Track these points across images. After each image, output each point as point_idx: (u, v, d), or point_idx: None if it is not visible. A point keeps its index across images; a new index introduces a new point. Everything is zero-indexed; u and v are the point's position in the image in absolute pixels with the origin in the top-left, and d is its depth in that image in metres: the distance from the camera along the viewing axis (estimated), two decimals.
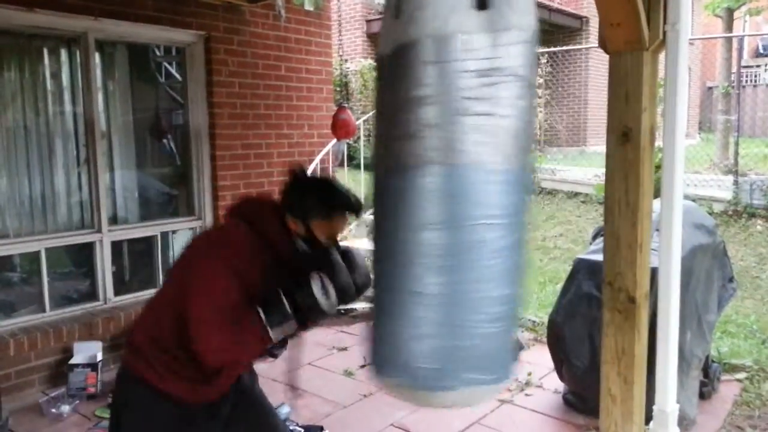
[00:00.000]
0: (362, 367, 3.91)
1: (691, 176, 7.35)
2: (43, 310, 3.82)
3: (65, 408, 3.29)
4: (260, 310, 1.55)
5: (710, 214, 6.75)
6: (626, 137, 2.15)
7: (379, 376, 1.43)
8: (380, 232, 1.41)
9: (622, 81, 2.14)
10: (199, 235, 1.92)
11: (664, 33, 2.10)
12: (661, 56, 2.21)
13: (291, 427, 2.96)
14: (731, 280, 3.68)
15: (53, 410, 3.27)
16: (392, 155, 1.31)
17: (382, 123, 1.38)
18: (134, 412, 1.73)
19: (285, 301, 1.55)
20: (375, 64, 1.43)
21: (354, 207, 1.75)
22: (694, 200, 6.72)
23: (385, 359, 1.39)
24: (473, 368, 1.33)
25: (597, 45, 2.32)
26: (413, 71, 1.25)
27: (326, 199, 1.72)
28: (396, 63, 1.29)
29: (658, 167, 2.27)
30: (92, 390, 3.51)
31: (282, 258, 1.70)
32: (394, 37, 1.29)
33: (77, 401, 3.39)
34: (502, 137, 1.27)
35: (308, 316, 1.59)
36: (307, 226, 1.70)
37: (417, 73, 1.25)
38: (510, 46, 1.24)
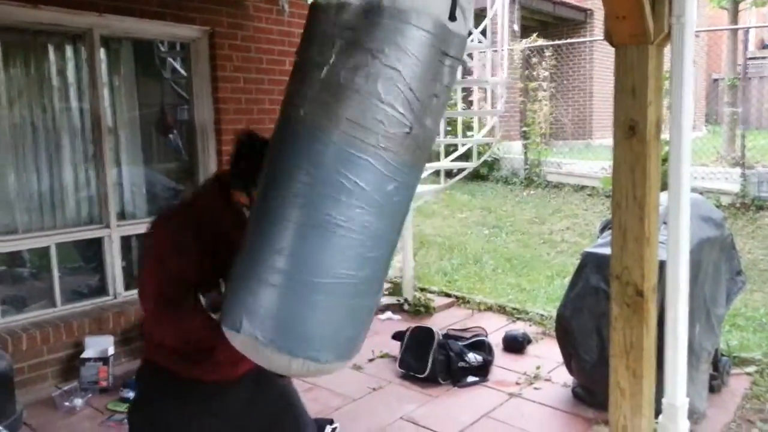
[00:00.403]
0: (371, 360, 3.94)
1: (698, 169, 7.32)
2: (54, 305, 3.86)
3: (78, 401, 3.32)
4: (200, 293, 1.49)
5: (718, 207, 6.71)
6: (632, 131, 2.15)
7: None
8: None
9: (627, 74, 2.14)
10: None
11: (670, 26, 2.09)
12: (667, 49, 2.20)
13: None
14: (739, 273, 3.67)
15: (66, 404, 3.30)
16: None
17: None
18: (153, 396, 1.73)
19: (221, 282, 1.46)
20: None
21: None
22: (701, 193, 6.68)
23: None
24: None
25: (602, 38, 2.31)
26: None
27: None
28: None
29: (664, 160, 2.26)
30: (104, 384, 3.54)
31: (225, 235, 1.56)
32: None
33: (89, 395, 3.43)
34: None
35: None
36: (249, 195, 1.57)
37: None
38: None
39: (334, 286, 1.30)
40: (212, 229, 1.59)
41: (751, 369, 3.69)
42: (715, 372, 3.42)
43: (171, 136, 4.88)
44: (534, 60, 9.80)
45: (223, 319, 1.36)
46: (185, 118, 4.72)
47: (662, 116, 2.21)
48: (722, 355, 3.56)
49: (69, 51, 4.06)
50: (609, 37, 2.17)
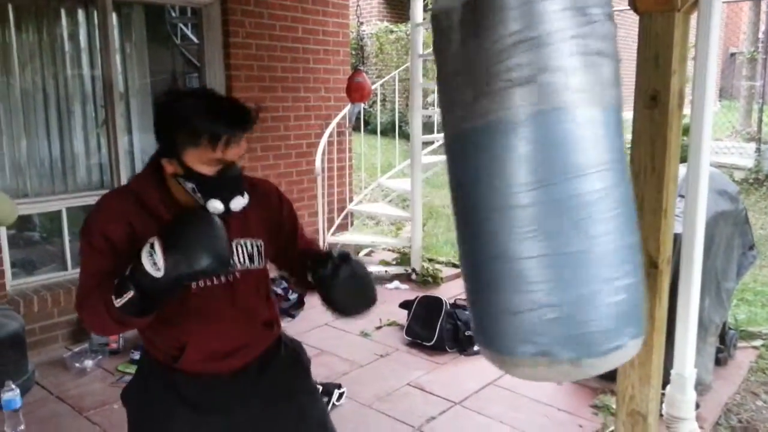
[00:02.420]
0: (378, 328, 3.97)
1: (712, 143, 7.25)
2: (65, 268, 3.90)
3: (88, 363, 3.37)
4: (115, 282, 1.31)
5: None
6: (654, 101, 2.10)
7: (518, 357, 1.30)
8: (473, 200, 1.32)
9: (651, 43, 2.08)
10: None
11: None
12: (692, 18, 2.14)
13: None
14: (752, 247, 3.65)
15: (77, 365, 3.35)
16: (490, 109, 1.24)
17: (470, 77, 1.29)
18: (140, 380, 1.65)
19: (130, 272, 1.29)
20: (433, 18, 1.32)
21: (232, 117, 1.35)
22: (714, 168, 6.64)
23: (526, 337, 1.28)
24: (631, 321, 1.30)
25: (621, 7, 2.25)
26: (503, 16, 1.20)
27: (188, 118, 1.33)
28: (483, 8, 1.22)
29: (684, 131, 2.23)
30: (114, 346, 3.58)
31: (156, 213, 1.43)
32: None
33: (100, 356, 3.47)
34: (606, 76, 1.24)
35: (142, 285, 1.27)
36: (181, 162, 1.35)
37: (506, 18, 1.20)
38: None
39: None
40: (142, 208, 1.44)
41: (757, 342, 3.71)
42: (722, 345, 3.44)
43: None
44: None
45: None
46: (196, 85, 4.69)
47: (685, 87, 2.17)
48: (729, 328, 3.56)
49: (81, 16, 4.03)
50: (633, 4, 2.11)
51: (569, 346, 1.26)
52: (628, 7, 2.18)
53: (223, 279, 1.51)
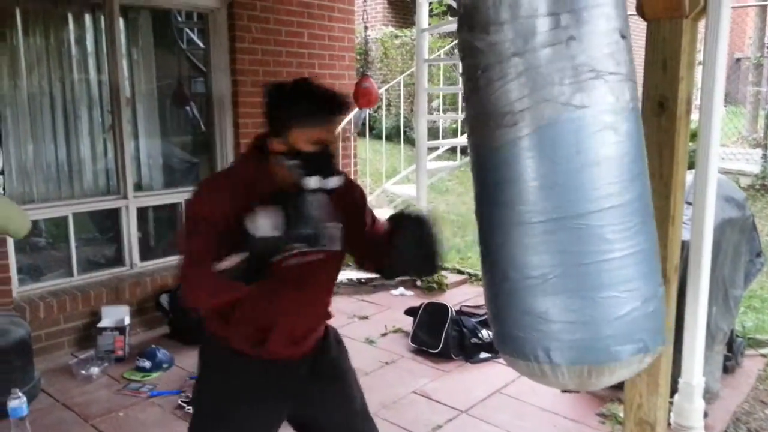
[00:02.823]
0: (384, 335, 3.95)
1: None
2: (71, 275, 3.90)
3: (94, 370, 3.37)
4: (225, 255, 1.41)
5: None
6: (662, 107, 2.09)
7: (563, 365, 1.28)
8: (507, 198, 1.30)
9: (659, 49, 2.08)
10: None
11: (705, 0, 2.03)
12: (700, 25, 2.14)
13: None
14: (759, 254, 3.63)
15: (83, 372, 3.35)
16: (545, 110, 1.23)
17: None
18: (207, 368, 1.74)
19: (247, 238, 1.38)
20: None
21: (334, 102, 1.53)
22: (721, 174, 6.60)
23: (564, 344, 1.27)
24: (658, 329, 1.32)
25: (634, 12, 2.25)
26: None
27: (297, 102, 1.51)
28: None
29: (691, 138, 2.22)
30: (120, 353, 3.58)
31: (256, 189, 1.51)
32: None
33: (106, 363, 3.47)
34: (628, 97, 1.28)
35: (250, 246, 1.37)
36: (286, 142, 1.51)
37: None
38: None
39: None
40: (243, 186, 1.54)
41: (765, 350, 3.68)
42: (730, 353, 3.41)
43: (188, 108, 4.86)
44: None
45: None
46: (202, 90, 4.70)
47: (693, 93, 2.16)
48: (737, 336, 3.54)
49: (88, 20, 4.04)
50: (641, 10, 2.11)
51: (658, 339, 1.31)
52: (636, 14, 2.17)
53: (310, 257, 1.59)
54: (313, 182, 1.49)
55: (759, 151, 6.95)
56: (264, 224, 1.35)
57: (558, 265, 1.24)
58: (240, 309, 1.59)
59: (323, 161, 1.52)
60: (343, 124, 5.09)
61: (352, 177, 5.30)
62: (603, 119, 1.22)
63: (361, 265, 1.82)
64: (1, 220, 1.99)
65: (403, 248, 1.56)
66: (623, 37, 1.24)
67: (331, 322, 1.85)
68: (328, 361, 1.78)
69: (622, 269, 1.24)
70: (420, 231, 1.55)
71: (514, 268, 1.29)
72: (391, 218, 1.62)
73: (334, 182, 1.53)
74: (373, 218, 1.80)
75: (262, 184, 1.52)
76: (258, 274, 1.42)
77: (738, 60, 15.12)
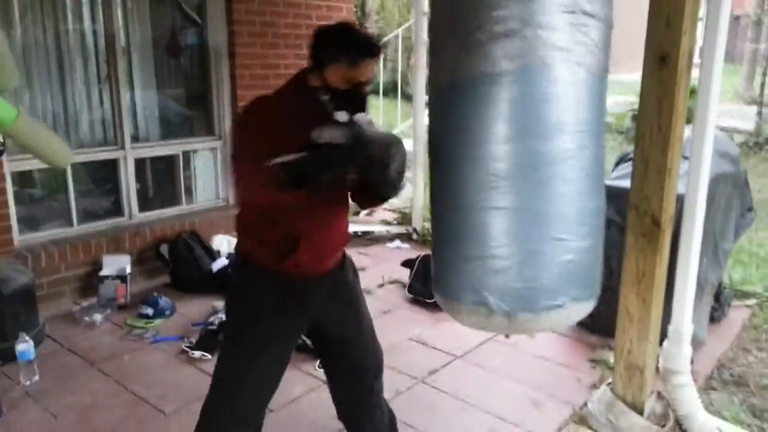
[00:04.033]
0: (380, 286, 4.04)
1: None
2: (71, 224, 3.92)
3: (98, 317, 3.44)
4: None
5: None
6: (663, 61, 2.11)
7: (461, 303, 1.37)
8: (447, 149, 1.36)
9: (662, 4, 2.08)
10: None
11: None
12: None
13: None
14: (750, 209, 3.71)
15: (86, 318, 3.42)
16: (475, 62, 1.28)
17: (456, 31, 1.33)
18: (234, 287, 1.90)
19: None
20: None
21: (366, 45, 1.64)
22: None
23: (470, 284, 1.33)
24: (577, 284, 1.31)
25: None
26: None
27: (334, 43, 1.64)
28: None
29: (690, 93, 2.25)
30: (122, 300, 3.65)
31: (295, 115, 1.64)
32: None
33: (108, 311, 3.53)
34: (593, 38, 1.25)
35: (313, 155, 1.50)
36: (323, 78, 1.65)
37: None
38: None
39: None
40: (290, 112, 1.66)
41: (751, 302, 3.80)
42: (717, 303, 3.52)
43: (182, 59, 4.80)
44: None
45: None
46: (197, 41, 4.63)
47: (695, 47, 2.17)
48: (724, 287, 3.65)
49: None
50: None
51: (505, 298, 1.31)
52: None
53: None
54: (341, 116, 1.62)
55: (754, 109, 6.98)
56: (332, 133, 1.48)
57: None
58: (269, 221, 1.74)
59: (354, 98, 1.65)
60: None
61: None
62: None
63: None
64: (48, 150, 2.04)
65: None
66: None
67: None
68: (347, 282, 1.93)
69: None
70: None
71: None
72: None
73: (363, 118, 1.65)
74: None
75: (302, 112, 1.64)
76: (310, 179, 1.49)
77: (737, 17, 14.94)
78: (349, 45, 1.64)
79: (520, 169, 1.26)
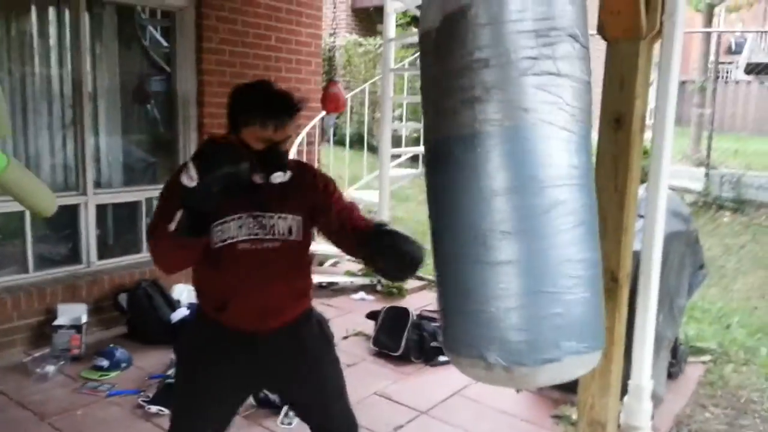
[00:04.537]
0: (345, 338, 4.00)
1: None
2: (26, 271, 3.80)
3: (50, 368, 3.29)
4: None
5: None
6: (618, 123, 2.23)
7: (463, 357, 1.38)
8: (441, 205, 1.40)
9: (617, 68, 2.21)
10: None
11: (661, 23, 2.17)
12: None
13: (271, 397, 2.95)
14: (702, 266, 3.84)
15: (38, 370, 3.27)
16: (449, 125, 1.33)
17: (434, 96, 1.39)
18: (188, 332, 2.02)
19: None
20: (419, 40, 1.39)
21: (280, 105, 1.66)
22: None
23: (468, 338, 1.35)
24: (571, 336, 1.31)
25: (594, 31, 2.38)
26: (468, 36, 1.26)
27: (247, 103, 1.66)
28: (447, 32, 1.29)
29: (645, 153, 2.36)
30: (76, 351, 3.51)
31: None
32: (442, 7, 1.31)
33: (62, 362, 3.39)
34: (567, 96, 1.29)
35: (186, 201, 1.54)
36: (239, 138, 1.66)
37: (472, 38, 1.26)
38: (565, 4, 1.29)
39: None
40: None
41: (705, 358, 3.89)
42: (674, 359, 3.59)
43: (149, 106, 4.81)
44: None
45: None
46: (163, 89, 4.66)
47: (647, 111, 2.30)
48: (680, 344, 3.73)
49: (52, 13, 3.96)
50: (602, 31, 2.24)
51: (502, 353, 1.31)
52: (597, 34, 2.31)
53: (264, 245, 1.73)
54: (257, 178, 1.67)
55: (702, 170, 7.32)
56: (185, 177, 1.51)
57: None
58: (204, 277, 1.81)
59: (271, 157, 1.67)
60: (308, 128, 5.13)
61: None
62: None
63: (337, 246, 1.90)
64: (35, 199, 2.02)
65: (389, 270, 1.68)
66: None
67: None
68: (303, 343, 1.87)
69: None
70: (396, 256, 1.62)
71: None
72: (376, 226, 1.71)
73: (279, 177, 1.69)
74: (348, 205, 1.88)
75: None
76: (198, 224, 1.56)
77: (683, 83, 15.77)
78: (261, 106, 1.64)
79: (503, 224, 1.29)
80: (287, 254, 1.78)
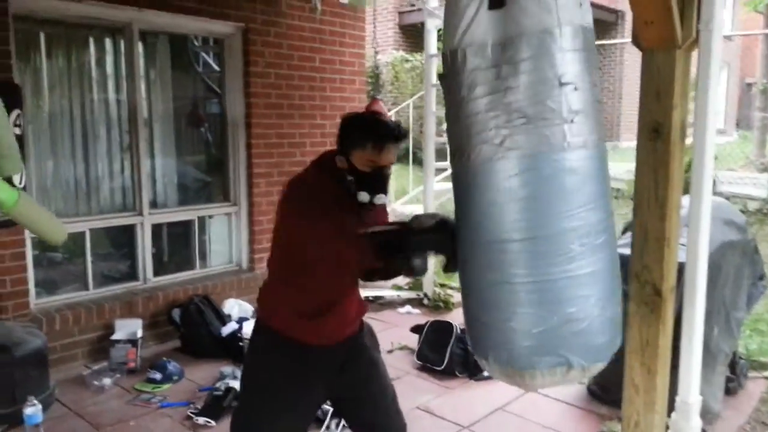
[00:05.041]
0: (390, 352, 4.02)
1: (725, 173, 7.27)
2: (87, 288, 4.01)
3: (107, 381, 3.46)
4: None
5: (744, 212, 6.66)
6: (656, 133, 2.18)
7: (494, 364, 1.48)
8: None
9: (653, 78, 2.17)
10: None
11: (698, 32, 2.12)
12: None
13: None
14: (762, 277, 3.67)
15: (95, 383, 3.44)
16: (475, 149, 1.40)
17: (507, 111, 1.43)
18: (254, 353, 2.00)
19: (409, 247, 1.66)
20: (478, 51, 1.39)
21: (389, 133, 1.79)
22: (728, 198, 6.63)
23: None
24: (587, 347, 1.43)
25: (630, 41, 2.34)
26: (555, 57, 1.34)
27: (359, 129, 1.81)
28: (527, 48, 1.34)
29: (689, 165, 2.30)
30: (132, 365, 3.67)
31: (329, 193, 1.82)
32: (507, 26, 1.35)
33: (118, 375, 3.56)
34: (602, 119, 1.42)
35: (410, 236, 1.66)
36: (348, 160, 1.80)
37: (559, 60, 1.34)
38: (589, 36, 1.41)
39: None
40: (324, 191, 1.83)
41: None
42: (733, 374, 3.44)
43: (202, 129, 5.01)
44: None
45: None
46: (217, 111, 4.84)
47: (687, 120, 2.24)
48: (740, 358, 3.57)
49: (108, 44, 4.21)
50: (637, 41, 2.20)
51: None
52: (632, 43, 2.27)
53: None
54: (363, 196, 1.79)
55: (766, 176, 6.99)
56: (426, 220, 1.65)
57: (493, 283, 1.43)
58: (305, 289, 1.87)
59: (376, 180, 1.81)
60: None
61: None
62: (529, 160, 1.35)
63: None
64: (45, 228, 2.15)
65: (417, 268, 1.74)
66: (563, 84, 1.34)
67: None
68: (364, 347, 2.02)
69: (534, 293, 1.39)
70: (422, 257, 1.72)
71: (465, 283, 1.55)
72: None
73: (381, 199, 1.83)
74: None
75: (332, 191, 1.83)
76: (398, 252, 1.66)
77: (749, 85, 15.14)
78: (374, 132, 1.79)
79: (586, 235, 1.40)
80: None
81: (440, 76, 1.53)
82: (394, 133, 1.80)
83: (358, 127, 1.82)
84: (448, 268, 1.70)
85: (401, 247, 1.64)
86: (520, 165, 1.34)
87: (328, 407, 2.97)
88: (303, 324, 1.88)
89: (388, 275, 2.00)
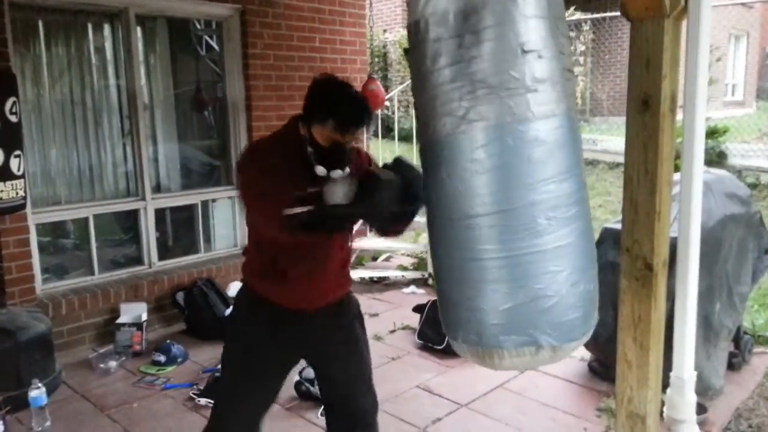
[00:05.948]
0: (392, 332, 4.03)
1: (738, 146, 7.11)
2: (92, 273, 4.06)
3: (112, 364, 3.52)
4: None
5: (756, 185, 6.54)
6: (646, 105, 2.13)
7: (463, 344, 1.46)
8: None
9: (642, 49, 2.11)
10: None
11: (686, 0, 2.06)
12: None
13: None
14: (767, 251, 3.61)
15: (101, 365, 3.50)
16: (435, 125, 1.38)
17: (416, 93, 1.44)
18: (236, 309, 2.06)
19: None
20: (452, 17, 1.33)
21: (352, 116, 1.73)
22: (739, 171, 6.51)
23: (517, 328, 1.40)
24: (557, 326, 1.39)
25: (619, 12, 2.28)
26: (518, 24, 1.30)
27: (323, 104, 1.73)
28: (490, 16, 1.30)
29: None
30: (138, 348, 3.73)
31: (292, 154, 1.79)
32: None
33: (123, 358, 3.62)
34: (572, 88, 1.41)
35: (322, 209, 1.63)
36: (309, 131, 1.77)
37: (522, 27, 1.30)
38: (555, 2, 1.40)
39: None
40: (284, 154, 1.79)
41: None
42: (737, 350, 3.40)
43: (206, 112, 5.01)
44: (571, 34, 9.59)
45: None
46: (219, 95, 4.84)
47: (677, 91, 2.19)
48: (745, 333, 3.52)
49: (106, 30, 4.21)
50: (625, 10, 2.15)
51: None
52: (620, 13, 2.21)
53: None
54: (319, 170, 1.75)
55: None
56: (338, 193, 1.60)
57: (462, 260, 1.39)
58: (274, 259, 1.87)
59: (334, 155, 1.76)
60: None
61: None
62: (493, 131, 1.31)
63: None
64: None
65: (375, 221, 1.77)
66: (525, 51, 1.30)
67: None
68: (342, 323, 2.00)
69: (502, 269, 1.35)
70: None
71: (435, 261, 1.52)
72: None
73: (337, 174, 1.76)
74: None
75: (292, 156, 1.78)
76: (316, 228, 1.64)
77: None
78: (337, 112, 1.71)
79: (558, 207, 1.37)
80: (345, 237, 1.96)
81: (405, 51, 1.51)
82: (358, 117, 1.73)
83: (323, 101, 1.74)
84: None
85: (324, 224, 1.64)
86: (485, 137, 1.30)
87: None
88: (268, 285, 1.90)
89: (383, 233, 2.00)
